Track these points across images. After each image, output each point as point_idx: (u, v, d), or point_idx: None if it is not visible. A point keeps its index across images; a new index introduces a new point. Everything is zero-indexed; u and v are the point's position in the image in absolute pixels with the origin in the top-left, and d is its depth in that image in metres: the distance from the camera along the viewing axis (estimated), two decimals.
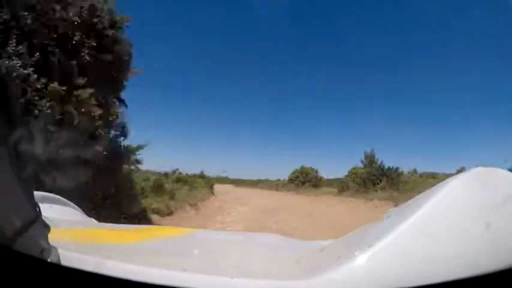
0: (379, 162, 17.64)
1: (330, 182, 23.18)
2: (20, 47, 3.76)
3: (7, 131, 0.44)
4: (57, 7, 4.41)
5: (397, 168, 16.99)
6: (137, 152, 7.07)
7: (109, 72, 5.39)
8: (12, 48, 3.67)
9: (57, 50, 4.36)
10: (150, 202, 8.59)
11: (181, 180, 15.68)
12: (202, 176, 21.34)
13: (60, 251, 0.51)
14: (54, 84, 4.09)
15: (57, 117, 4.06)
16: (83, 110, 4.46)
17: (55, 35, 4.40)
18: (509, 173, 0.60)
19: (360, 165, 18.92)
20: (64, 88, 4.19)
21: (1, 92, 0.43)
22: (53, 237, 0.52)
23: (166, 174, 15.71)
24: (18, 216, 0.43)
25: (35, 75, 3.86)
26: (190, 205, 11.03)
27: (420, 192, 0.64)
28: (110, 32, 5.17)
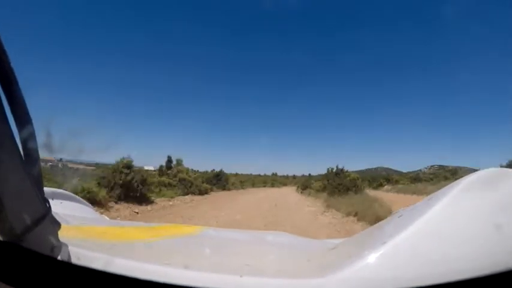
0: None
1: None
2: None
3: (16, 128, 0.44)
4: None
5: None
6: None
7: None
8: None
9: None
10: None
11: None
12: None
13: (70, 248, 0.51)
14: None
15: None
16: None
17: None
18: None
19: None
20: None
21: (9, 90, 0.43)
22: (64, 234, 0.52)
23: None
24: (27, 212, 0.43)
25: None
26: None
27: None
28: None
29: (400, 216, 0.63)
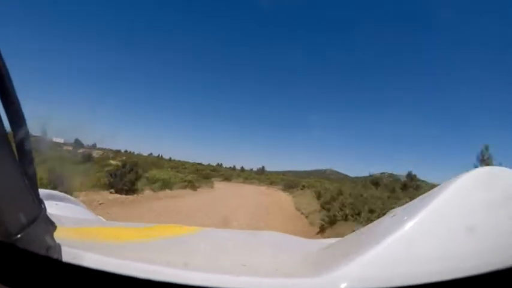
0: None
1: None
2: None
3: (11, 128, 0.44)
4: None
5: None
6: None
7: None
8: None
9: None
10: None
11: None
12: None
13: (65, 248, 0.51)
14: None
15: None
16: None
17: None
18: None
19: None
20: None
21: (2, 89, 0.42)
22: (59, 235, 0.52)
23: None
24: (22, 214, 0.43)
25: None
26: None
27: None
28: None
29: (394, 215, 0.64)
